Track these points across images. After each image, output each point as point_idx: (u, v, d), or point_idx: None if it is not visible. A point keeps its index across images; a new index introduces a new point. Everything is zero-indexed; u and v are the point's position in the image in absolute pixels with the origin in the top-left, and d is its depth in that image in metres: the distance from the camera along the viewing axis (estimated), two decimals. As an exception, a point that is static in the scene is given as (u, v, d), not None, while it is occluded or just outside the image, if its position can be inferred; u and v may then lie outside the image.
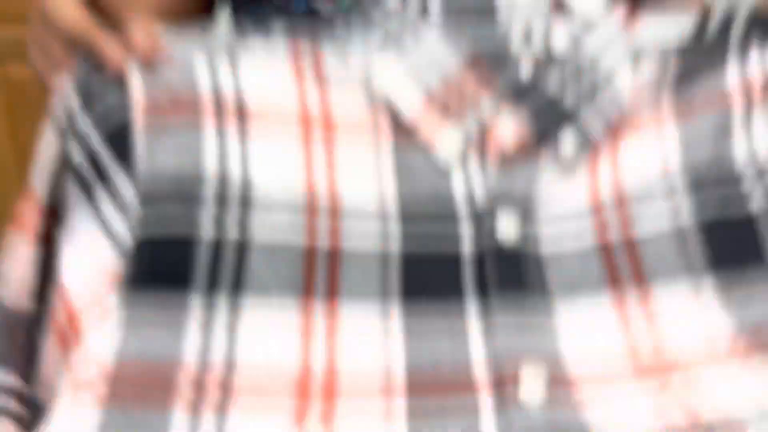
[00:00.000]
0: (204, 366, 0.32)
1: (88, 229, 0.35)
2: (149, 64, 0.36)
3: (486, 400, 0.33)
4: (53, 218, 0.37)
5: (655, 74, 0.39)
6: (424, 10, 0.39)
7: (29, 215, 0.37)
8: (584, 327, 0.35)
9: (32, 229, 0.37)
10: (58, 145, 0.36)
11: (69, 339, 0.34)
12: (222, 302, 0.34)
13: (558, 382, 0.33)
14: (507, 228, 0.36)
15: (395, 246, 0.36)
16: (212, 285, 0.34)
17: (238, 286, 0.34)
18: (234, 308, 0.34)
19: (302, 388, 0.32)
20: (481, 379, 0.33)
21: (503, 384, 0.33)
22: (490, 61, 0.38)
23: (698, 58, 0.39)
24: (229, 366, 0.33)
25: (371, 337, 0.34)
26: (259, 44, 0.39)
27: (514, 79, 0.38)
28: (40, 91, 0.41)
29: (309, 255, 0.35)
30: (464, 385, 0.33)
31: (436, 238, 0.37)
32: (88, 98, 0.36)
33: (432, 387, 0.33)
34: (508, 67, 0.38)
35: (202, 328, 0.33)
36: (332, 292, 0.35)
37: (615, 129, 0.38)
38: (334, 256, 0.36)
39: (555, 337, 0.35)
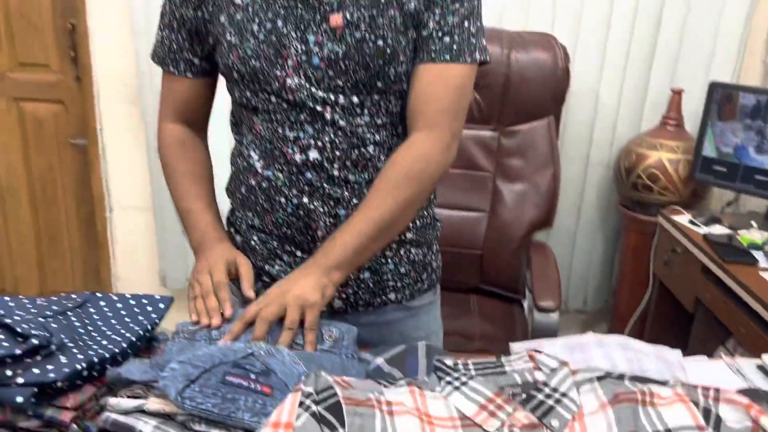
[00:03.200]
0: None
1: None
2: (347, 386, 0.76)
3: None
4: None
5: (590, 386, 0.80)
6: (469, 377, 0.81)
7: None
8: None
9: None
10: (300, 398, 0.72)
11: None
12: None
13: None
14: None
15: None
16: None
17: None
18: None
19: None
20: None
21: None
22: (509, 392, 0.79)
23: (608, 377, 0.81)
24: None
25: None
26: (392, 387, 0.80)
27: (519, 394, 0.78)
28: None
29: None
30: None
31: None
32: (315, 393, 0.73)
33: None
34: (519, 394, 0.78)
35: None
36: None
37: (579, 412, 0.76)
38: None
39: None
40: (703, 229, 1.85)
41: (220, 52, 1.01)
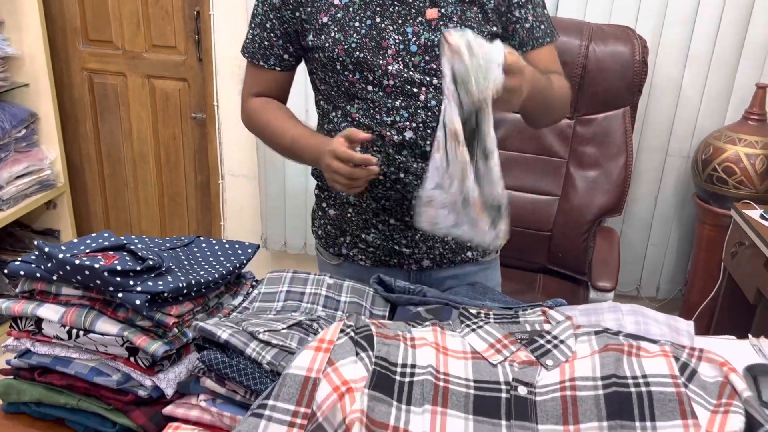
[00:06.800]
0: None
1: (349, 362, 0.83)
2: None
3: None
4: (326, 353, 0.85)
5: (586, 338, 0.92)
6: (486, 322, 0.95)
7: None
8: None
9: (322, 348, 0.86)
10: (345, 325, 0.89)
11: (343, 393, 0.80)
12: (402, 408, 0.80)
13: None
14: (522, 390, 0.84)
15: (471, 392, 0.84)
16: (400, 399, 0.81)
17: (409, 401, 0.81)
18: (408, 411, 0.80)
19: None
20: None
21: None
22: (517, 336, 0.93)
23: (605, 332, 0.92)
24: None
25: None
26: (419, 327, 0.95)
27: (525, 339, 0.92)
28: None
29: (435, 389, 0.83)
30: None
31: (491, 389, 0.84)
32: (354, 326, 0.88)
33: None
34: (525, 338, 0.92)
35: (400, 411, 0.80)
36: (444, 405, 0.82)
37: (572, 356, 0.88)
38: (446, 391, 0.83)
39: None
40: (773, 224, 1.87)
41: (322, 47, 1.17)
